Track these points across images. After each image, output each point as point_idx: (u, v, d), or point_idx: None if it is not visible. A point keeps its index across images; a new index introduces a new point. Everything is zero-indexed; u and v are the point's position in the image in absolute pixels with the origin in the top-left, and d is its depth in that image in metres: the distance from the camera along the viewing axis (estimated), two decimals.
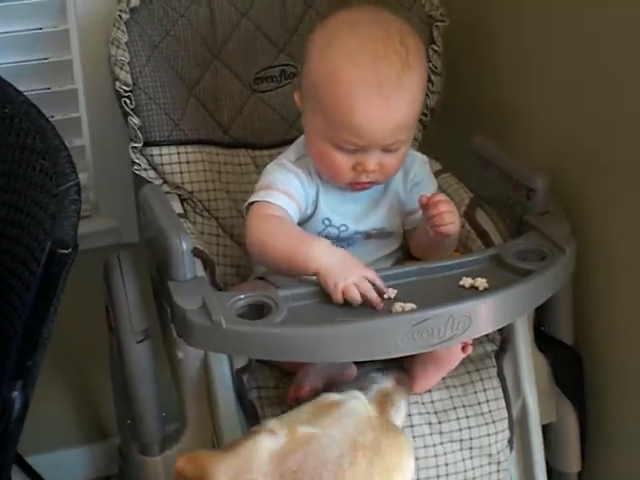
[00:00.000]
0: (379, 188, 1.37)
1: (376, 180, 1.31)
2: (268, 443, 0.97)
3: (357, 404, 1.07)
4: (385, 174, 1.31)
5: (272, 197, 1.29)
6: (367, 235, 1.37)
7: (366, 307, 1.17)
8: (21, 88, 1.39)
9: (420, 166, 1.40)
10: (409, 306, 1.16)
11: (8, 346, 1.23)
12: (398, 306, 1.17)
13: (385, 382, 1.14)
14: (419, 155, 1.41)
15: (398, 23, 1.29)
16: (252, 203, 1.30)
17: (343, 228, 1.35)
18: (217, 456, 0.97)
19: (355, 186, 1.32)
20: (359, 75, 1.23)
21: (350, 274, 1.18)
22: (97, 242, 1.69)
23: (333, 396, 1.08)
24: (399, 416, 1.12)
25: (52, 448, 1.84)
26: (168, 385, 1.32)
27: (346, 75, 1.24)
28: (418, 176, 1.39)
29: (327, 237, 1.33)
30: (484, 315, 1.18)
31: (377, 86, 1.23)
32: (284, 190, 1.30)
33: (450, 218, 1.28)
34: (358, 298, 1.17)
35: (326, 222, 1.34)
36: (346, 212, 1.34)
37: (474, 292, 1.20)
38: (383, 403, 1.11)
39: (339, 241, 1.35)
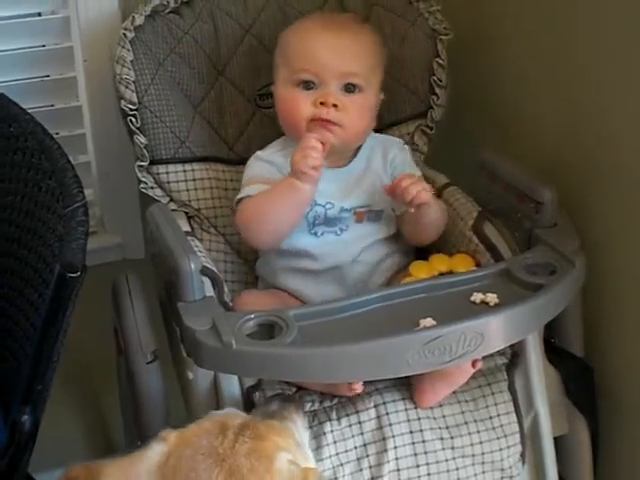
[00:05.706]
0: (358, 167, 1.43)
1: (338, 122, 1.36)
2: (158, 448, 0.99)
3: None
4: (347, 119, 1.36)
5: (252, 190, 1.38)
6: (356, 214, 1.40)
7: (376, 326, 1.16)
8: (25, 106, 1.39)
9: (399, 149, 1.46)
10: (429, 321, 1.16)
11: (18, 369, 1.23)
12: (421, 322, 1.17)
13: (271, 405, 1.15)
14: (397, 140, 1.49)
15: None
16: (239, 201, 1.38)
17: (329, 206, 1.39)
18: (109, 462, 1.00)
19: (315, 126, 1.36)
20: (317, 21, 1.43)
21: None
22: (102, 258, 1.69)
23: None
24: (297, 429, 1.12)
25: (59, 465, 1.82)
26: (178, 404, 1.31)
27: (306, 23, 1.43)
28: (397, 159, 1.44)
29: (316, 218, 1.38)
30: (497, 331, 1.17)
31: (331, 24, 1.41)
32: (263, 180, 1.38)
33: (416, 187, 1.32)
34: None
35: (311, 202, 1.37)
36: (328, 191, 1.38)
37: (486, 308, 1.20)
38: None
39: (331, 223, 1.39)
